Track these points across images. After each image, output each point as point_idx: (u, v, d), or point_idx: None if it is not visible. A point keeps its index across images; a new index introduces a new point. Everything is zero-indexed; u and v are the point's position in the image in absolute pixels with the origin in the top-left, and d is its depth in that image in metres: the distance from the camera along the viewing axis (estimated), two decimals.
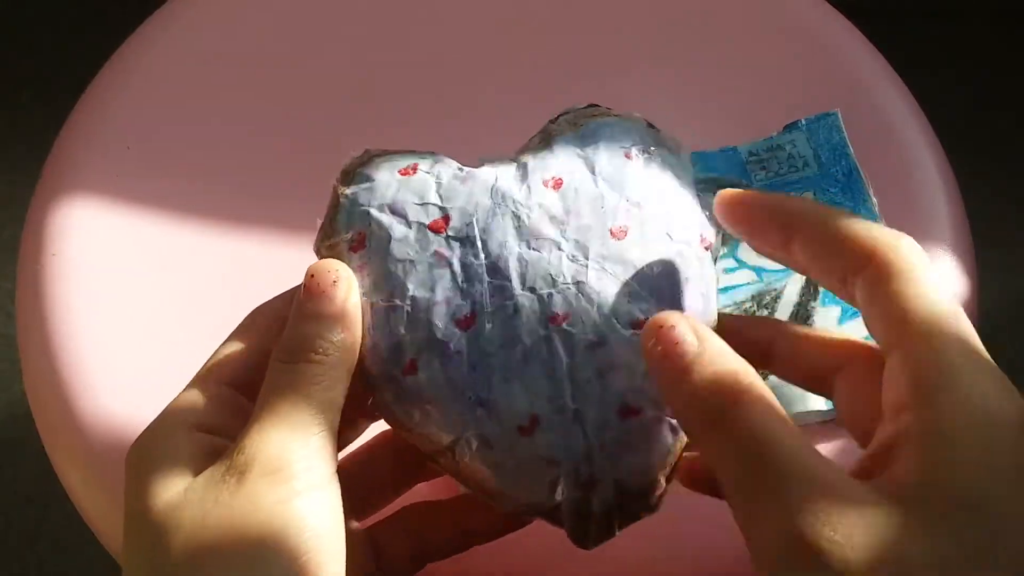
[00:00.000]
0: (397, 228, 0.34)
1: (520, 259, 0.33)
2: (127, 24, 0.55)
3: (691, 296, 0.33)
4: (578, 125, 0.36)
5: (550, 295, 0.33)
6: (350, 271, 0.33)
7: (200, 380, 0.33)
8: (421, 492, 0.38)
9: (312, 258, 0.34)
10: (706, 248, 0.34)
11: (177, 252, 0.48)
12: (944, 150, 0.51)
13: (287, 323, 0.33)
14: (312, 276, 0.33)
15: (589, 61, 0.53)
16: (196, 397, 0.33)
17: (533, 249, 0.33)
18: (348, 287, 0.33)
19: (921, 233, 0.48)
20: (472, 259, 0.34)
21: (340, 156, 0.50)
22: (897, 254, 0.30)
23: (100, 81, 0.53)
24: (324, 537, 0.29)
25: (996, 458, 0.27)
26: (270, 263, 0.48)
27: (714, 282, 0.34)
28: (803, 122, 0.50)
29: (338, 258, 0.34)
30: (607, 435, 0.32)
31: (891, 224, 0.48)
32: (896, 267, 0.30)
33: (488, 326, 0.33)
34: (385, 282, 0.34)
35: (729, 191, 0.33)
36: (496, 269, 0.33)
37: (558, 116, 0.37)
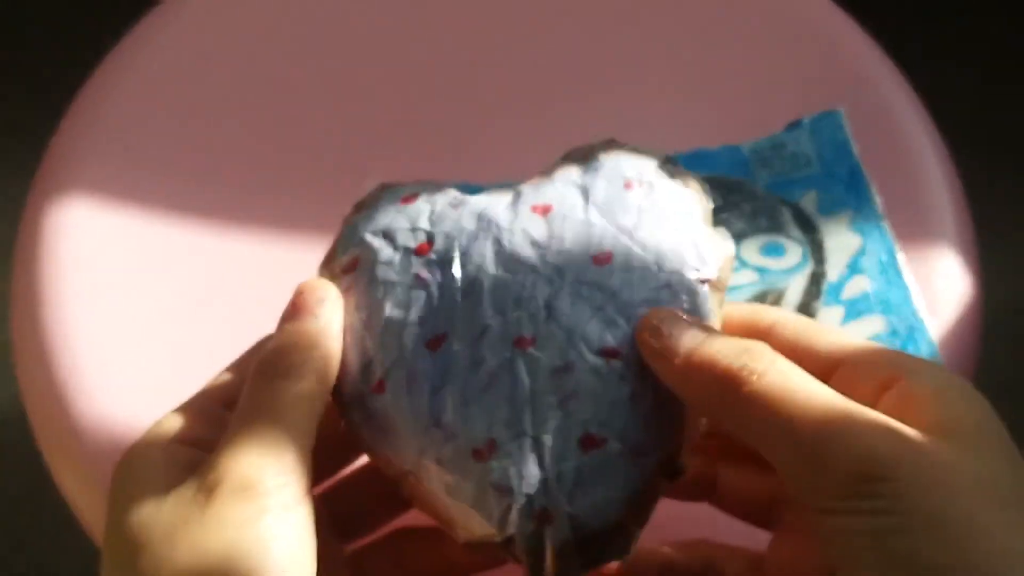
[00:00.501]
0: (384, 251, 0.34)
1: (495, 282, 0.33)
2: (124, 21, 0.54)
3: None
4: (588, 158, 0.35)
5: (519, 317, 0.32)
6: (337, 291, 0.33)
7: (189, 400, 0.33)
8: (415, 517, 0.36)
9: (309, 264, 0.34)
10: (702, 282, 0.33)
11: (174, 252, 0.48)
12: (948, 148, 0.51)
13: (271, 339, 0.33)
14: (300, 294, 0.33)
15: (590, 61, 0.52)
16: (182, 413, 0.32)
17: (509, 272, 0.33)
18: (333, 308, 0.33)
19: (925, 232, 0.48)
20: (449, 281, 0.33)
21: (338, 155, 0.51)
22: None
23: (97, 78, 0.52)
24: (290, 560, 0.29)
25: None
26: (268, 263, 0.48)
27: (712, 318, 0.33)
28: (806, 120, 0.50)
29: (331, 281, 0.34)
30: (565, 466, 0.31)
31: (895, 223, 0.48)
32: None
33: (456, 348, 0.32)
34: (365, 303, 0.33)
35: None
36: (471, 291, 0.33)
37: (572, 150, 0.36)
